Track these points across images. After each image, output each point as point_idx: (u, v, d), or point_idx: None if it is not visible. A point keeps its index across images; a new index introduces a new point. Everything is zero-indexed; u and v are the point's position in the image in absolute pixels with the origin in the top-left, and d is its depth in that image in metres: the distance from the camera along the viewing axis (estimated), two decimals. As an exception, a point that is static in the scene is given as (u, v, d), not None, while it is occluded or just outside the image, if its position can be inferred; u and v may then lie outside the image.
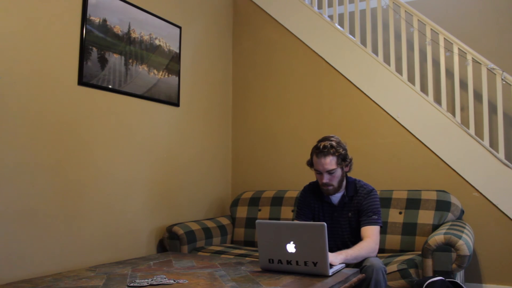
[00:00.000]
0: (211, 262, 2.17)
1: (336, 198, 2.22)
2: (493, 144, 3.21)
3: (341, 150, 2.11)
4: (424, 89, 3.36)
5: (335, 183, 2.14)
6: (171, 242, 2.87)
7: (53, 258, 2.30)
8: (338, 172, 2.13)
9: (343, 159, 2.12)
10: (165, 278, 1.75)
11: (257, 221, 1.87)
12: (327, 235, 1.72)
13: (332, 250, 2.00)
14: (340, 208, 2.21)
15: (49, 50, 2.35)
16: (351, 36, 3.41)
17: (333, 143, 2.10)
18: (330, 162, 2.08)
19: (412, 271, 2.19)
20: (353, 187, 2.20)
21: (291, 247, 1.81)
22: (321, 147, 2.09)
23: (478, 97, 3.22)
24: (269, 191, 3.36)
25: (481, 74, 2.99)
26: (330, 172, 2.10)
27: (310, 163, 2.18)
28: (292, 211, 3.12)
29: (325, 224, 1.72)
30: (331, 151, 2.08)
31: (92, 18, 2.58)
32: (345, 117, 3.38)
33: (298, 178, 3.50)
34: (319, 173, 2.13)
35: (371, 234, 2.05)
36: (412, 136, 3.10)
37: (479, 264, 2.85)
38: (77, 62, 2.50)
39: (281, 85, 3.68)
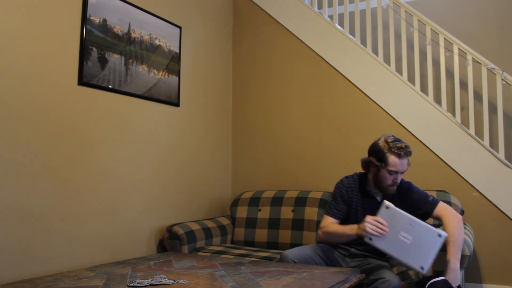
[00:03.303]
0: (211, 262, 2.17)
1: (379, 196, 2.25)
2: (493, 144, 3.20)
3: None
4: (424, 89, 3.36)
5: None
6: (171, 242, 2.87)
7: (53, 258, 2.30)
8: None
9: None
10: (165, 278, 1.76)
11: (386, 202, 1.93)
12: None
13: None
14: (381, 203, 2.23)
15: (49, 50, 2.35)
16: (351, 36, 3.41)
17: (407, 143, 2.13)
18: (407, 162, 2.13)
19: (411, 272, 2.19)
20: None
21: (406, 238, 1.88)
22: (404, 146, 2.09)
23: (478, 97, 3.22)
24: (269, 191, 3.36)
25: (481, 74, 2.99)
26: (403, 172, 2.14)
27: (383, 162, 2.11)
28: (293, 211, 3.12)
29: (446, 235, 1.86)
30: (410, 151, 2.12)
31: (92, 18, 2.58)
32: (345, 117, 3.38)
33: (298, 178, 3.51)
34: (393, 173, 2.11)
35: (443, 212, 2.10)
36: (412, 136, 3.10)
37: (479, 264, 2.85)
38: (77, 62, 2.50)
39: (281, 85, 3.68)
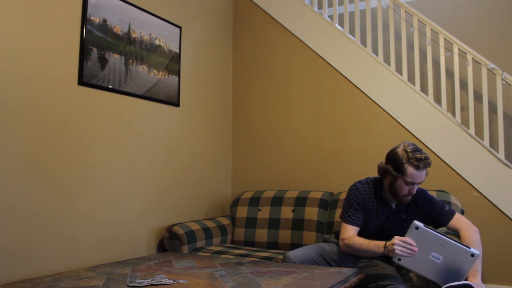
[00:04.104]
0: (211, 262, 2.17)
1: (393, 203, 2.20)
2: (493, 144, 3.20)
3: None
4: (424, 89, 3.36)
5: None
6: (171, 242, 2.87)
7: (53, 258, 2.30)
8: None
9: None
10: (165, 278, 1.75)
11: (416, 222, 1.86)
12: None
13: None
14: (396, 211, 2.19)
15: (49, 50, 2.35)
16: (351, 36, 3.41)
17: (427, 154, 2.04)
18: (425, 174, 2.06)
19: (412, 275, 2.18)
20: None
21: (436, 258, 1.83)
22: (423, 158, 2.01)
23: (478, 97, 3.22)
24: (269, 191, 3.36)
25: (481, 74, 2.99)
26: (420, 183, 2.07)
27: (400, 172, 2.04)
28: (293, 211, 3.12)
29: (479, 254, 1.82)
30: (429, 162, 2.04)
31: (92, 18, 2.58)
32: (345, 117, 3.38)
33: (298, 178, 3.51)
34: (410, 184, 2.05)
35: (460, 223, 2.10)
36: (412, 136, 3.10)
37: (479, 264, 2.85)
38: (77, 62, 2.50)
39: (281, 85, 3.68)
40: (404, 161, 2.03)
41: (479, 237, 2.04)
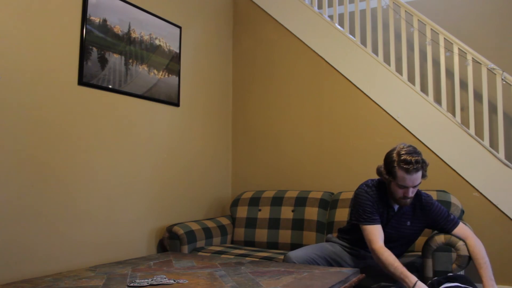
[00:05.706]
0: (211, 262, 2.17)
1: (396, 205, 2.18)
2: (493, 144, 3.20)
3: (426, 163, 2.03)
4: (424, 89, 3.36)
5: (413, 195, 2.09)
6: (171, 242, 2.87)
7: (53, 258, 2.30)
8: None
9: (425, 171, 2.05)
10: (165, 278, 1.76)
11: None
12: None
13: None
14: (399, 216, 2.18)
15: (49, 50, 2.35)
16: (351, 36, 3.41)
17: (420, 157, 2.00)
18: (419, 177, 2.01)
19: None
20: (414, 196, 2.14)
21: None
22: (413, 161, 1.96)
23: (478, 97, 3.22)
24: (269, 191, 3.36)
25: (481, 74, 2.99)
26: (415, 186, 2.04)
27: (391, 175, 2.03)
28: (293, 211, 3.11)
29: None
30: (421, 166, 2.00)
31: (92, 18, 2.58)
32: (345, 117, 3.38)
33: (298, 178, 3.51)
34: (403, 187, 2.02)
35: (466, 232, 2.12)
36: (412, 136, 3.10)
37: (479, 264, 2.85)
38: (77, 62, 2.50)
39: (281, 85, 3.68)
40: (395, 164, 2.01)
41: (480, 245, 2.07)
